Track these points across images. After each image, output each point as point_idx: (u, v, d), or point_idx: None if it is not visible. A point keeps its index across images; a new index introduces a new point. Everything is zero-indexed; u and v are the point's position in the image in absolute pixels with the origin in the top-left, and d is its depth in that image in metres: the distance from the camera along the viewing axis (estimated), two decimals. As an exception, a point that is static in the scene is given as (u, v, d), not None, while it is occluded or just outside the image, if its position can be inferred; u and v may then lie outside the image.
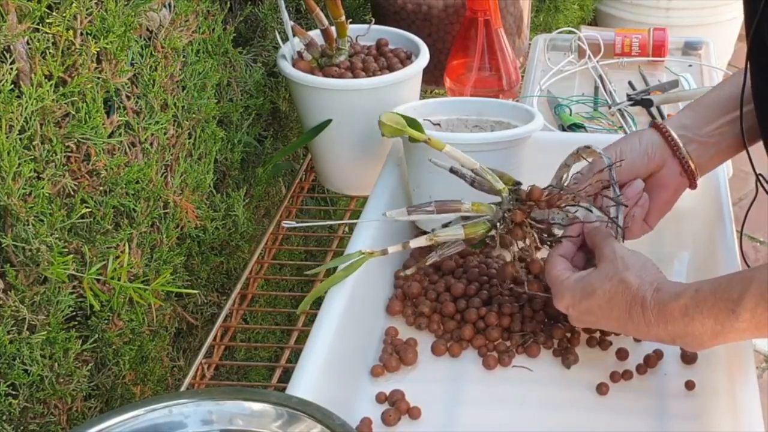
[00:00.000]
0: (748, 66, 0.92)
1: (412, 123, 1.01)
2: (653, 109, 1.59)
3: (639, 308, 0.87)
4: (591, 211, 0.96)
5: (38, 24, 0.88)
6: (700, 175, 1.03)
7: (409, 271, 1.05)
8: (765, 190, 0.99)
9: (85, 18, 0.94)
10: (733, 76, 1.04)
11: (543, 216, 0.96)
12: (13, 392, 0.92)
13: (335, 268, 0.98)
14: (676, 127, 1.01)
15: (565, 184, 0.99)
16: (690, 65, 1.66)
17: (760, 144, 0.95)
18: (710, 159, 1.03)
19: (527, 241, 0.97)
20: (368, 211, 1.09)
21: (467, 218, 0.98)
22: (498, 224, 0.97)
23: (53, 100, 0.90)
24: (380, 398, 0.94)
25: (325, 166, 1.35)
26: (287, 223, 1.05)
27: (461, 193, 1.01)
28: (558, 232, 0.98)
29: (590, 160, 1.00)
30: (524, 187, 0.98)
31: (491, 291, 1.04)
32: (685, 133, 1.01)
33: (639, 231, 1.02)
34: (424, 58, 1.29)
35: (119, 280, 0.93)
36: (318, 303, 0.98)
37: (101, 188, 1.01)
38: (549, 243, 0.97)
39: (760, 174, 0.98)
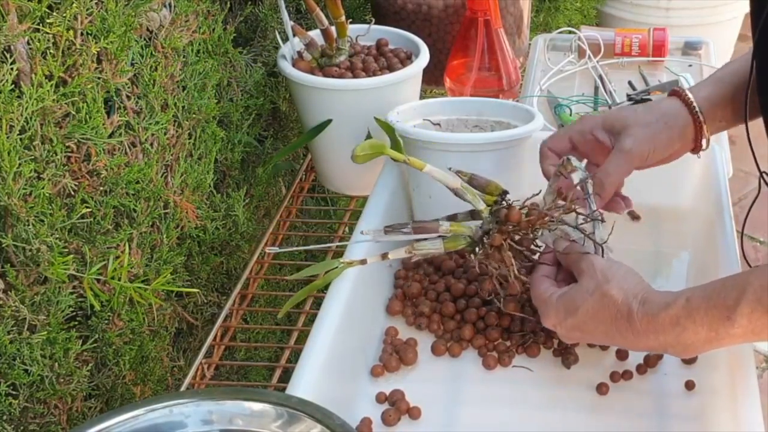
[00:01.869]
0: (754, 64, 0.91)
1: (394, 139, 1.01)
2: (653, 109, 1.59)
3: (625, 321, 0.86)
4: (576, 228, 0.95)
5: (38, 24, 0.88)
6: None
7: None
8: None
9: (86, 18, 0.94)
10: (736, 60, 1.03)
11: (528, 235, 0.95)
12: (13, 392, 0.92)
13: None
14: (700, 105, 0.99)
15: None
16: (690, 65, 1.65)
17: (763, 142, 0.95)
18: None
19: (506, 263, 0.95)
20: (368, 212, 1.09)
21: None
22: (476, 248, 0.96)
23: (53, 100, 0.90)
24: (380, 398, 0.94)
25: (325, 166, 1.35)
26: (271, 249, 1.06)
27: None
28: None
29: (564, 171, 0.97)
30: (509, 198, 0.96)
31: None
32: (706, 114, 1.00)
33: (620, 186, 1.02)
34: (424, 58, 1.29)
35: (119, 280, 0.93)
36: (318, 303, 0.98)
37: (101, 188, 1.01)
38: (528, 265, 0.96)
39: (765, 172, 0.98)
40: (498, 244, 0.94)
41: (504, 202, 0.96)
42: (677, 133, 0.99)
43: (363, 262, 0.98)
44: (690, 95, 1.00)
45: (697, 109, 0.99)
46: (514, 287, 0.96)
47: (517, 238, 0.95)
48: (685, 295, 0.84)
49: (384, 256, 0.98)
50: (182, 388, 1.07)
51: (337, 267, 0.97)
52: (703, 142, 1.00)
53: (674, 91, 1.01)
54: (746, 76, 0.97)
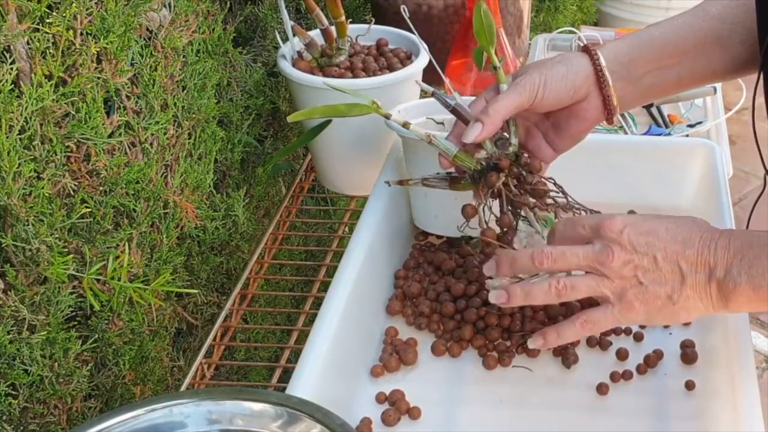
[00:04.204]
0: (762, 77, 0.91)
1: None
2: (653, 109, 1.59)
3: (707, 225, 0.82)
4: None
5: (38, 24, 0.88)
6: (619, 113, 0.99)
7: None
8: None
9: (85, 18, 0.94)
10: (675, 18, 1.00)
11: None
12: (13, 392, 0.92)
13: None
14: (609, 61, 0.96)
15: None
16: (690, 65, 1.65)
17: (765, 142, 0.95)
18: (633, 100, 0.99)
19: (501, 183, 0.93)
20: (368, 212, 1.09)
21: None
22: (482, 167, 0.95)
23: (53, 100, 0.90)
24: (380, 398, 0.94)
25: (325, 166, 1.35)
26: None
27: (456, 192, 1.01)
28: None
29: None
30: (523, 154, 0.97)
31: (491, 291, 1.04)
32: (618, 69, 0.96)
33: (549, 158, 0.99)
34: (424, 58, 1.29)
35: (119, 280, 0.93)
36: (318, 303, 0.98)
37: (101, 188, 1.01)
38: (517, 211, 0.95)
39: None
40: (506, 166, 0.93)
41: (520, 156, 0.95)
42: (574, 74, 0.95)
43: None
44: (597, 50, 0.97)
45: (598, 56, 0.96)
46: (505, 220, 0.94)
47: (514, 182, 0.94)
48: None
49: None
50: (182, 388, 1.07)
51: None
52: (613, 98, 0.96)
53: (587, 51, 0.98)
54: (669, 35, 0.97)
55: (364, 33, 1.33)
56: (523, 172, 0.94)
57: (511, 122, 0.96)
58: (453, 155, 0.95)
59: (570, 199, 0.95)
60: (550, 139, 1.00)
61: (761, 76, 0.91)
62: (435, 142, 0.95)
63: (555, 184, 0.95)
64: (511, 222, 0.94)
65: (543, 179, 0.96)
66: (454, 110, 0.97)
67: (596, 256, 0.84)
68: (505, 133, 0.97)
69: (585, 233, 0.86)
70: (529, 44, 1.67)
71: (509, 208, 0.94)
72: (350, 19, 1.29)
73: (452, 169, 0.99)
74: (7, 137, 0.85)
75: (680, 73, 0.98)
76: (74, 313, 0.99)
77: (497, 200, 0.95)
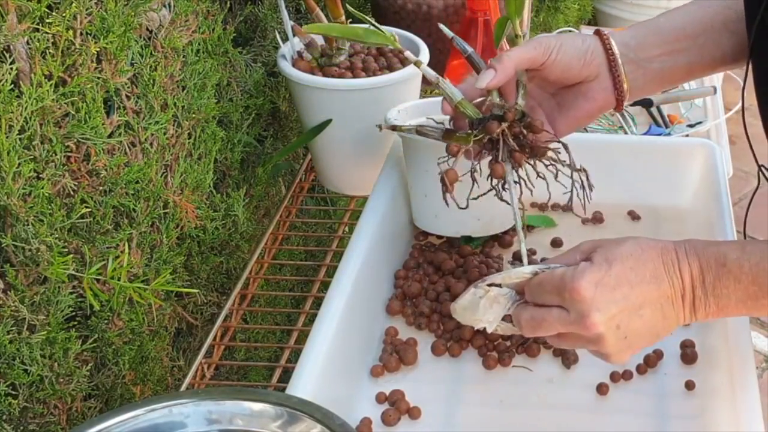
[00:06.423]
0: (750, 63, 0.91)
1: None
2: (653, 109, 1.59)
3: (672, 253, 0.81)
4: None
5: (38, 24, 0.88)
6: (630, 100, 0.98)
7: None
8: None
9: (85, 18, 0.94)
10: (682, 7, 1.00)
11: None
12: (13, 392, 0.92)
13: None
14: (617, 43, 0.96)
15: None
16: (690, 65, 1.65)
17: (762, 140, 0.95)
18: (644, 85, 0.98)
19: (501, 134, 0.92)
20: (368, 212, 1.09)
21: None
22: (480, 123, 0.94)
23: (53, 100, 0.90)
24: (380, 398, 0.94)
25: (325, 166, 1.35)
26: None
27: (457, 192, 1.01)
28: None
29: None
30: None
31: (491, 291, 1.04)
32: (626, 52, 0.96)
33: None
34: (424, 58, 1.29)
35: (119, 280, 0.93)
36: (318, 303, 0.98)
37: (101, 188, 1.01)
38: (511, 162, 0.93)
39: (763, 165, 0.98)
40: (511, 118, 0.92)
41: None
42: (587, 46, 0.95)
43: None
44: (608, 34, 0.97)
45: (608, 36, 0.95)
46: (498, 170, 0.92)
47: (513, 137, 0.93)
48: (740, 243, 0.80)
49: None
50: (182, 388, 1.07)
51: None
52: (623, 79, 0.95)
53: (597, 31, 0.98)
54: (680, 23, 0.97)
55: (364, 33, 1.33)
56: (524, 131, 0.93)
57: (520, 85, 0.95)
58: (457, 101, 0.95)
59: (571, 159, 0.93)
60: (552, 120, 0.98)
61: (748, 70, 0.92)
62: (442, 85, 0.96)
63: (559, 141, 0.94)
64: (504, 172, 0.92)
65: (546, 131, 0.94)
66: (469, 57, 0.97)
67: (575, 326, 0.81)
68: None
69: (554, 301, 0.83)
70: (529, 44, 1.67)
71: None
72: (350, 19, 1.29)
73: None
74: (7, 137, 0.85)
75: (690, 59, 0.97)
76: (74, 313, 0.99)
77: (487, 157, 0.93)
